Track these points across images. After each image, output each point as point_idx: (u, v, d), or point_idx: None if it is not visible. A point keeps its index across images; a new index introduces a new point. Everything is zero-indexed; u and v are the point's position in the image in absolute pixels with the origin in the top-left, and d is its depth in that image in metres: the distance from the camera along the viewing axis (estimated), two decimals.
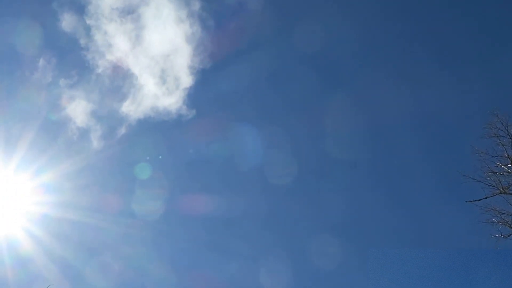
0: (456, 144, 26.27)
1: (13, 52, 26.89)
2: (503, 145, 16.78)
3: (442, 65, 27.40)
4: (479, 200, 16.70)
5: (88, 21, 26.15)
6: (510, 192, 16.27)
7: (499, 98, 24.64)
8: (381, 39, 28.85)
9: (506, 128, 16.81)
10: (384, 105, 26.93)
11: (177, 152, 29.37)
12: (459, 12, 27.28)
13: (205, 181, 29.67)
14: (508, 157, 16.45)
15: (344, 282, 25.07)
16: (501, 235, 16.08)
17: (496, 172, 16.63)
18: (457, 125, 26.44)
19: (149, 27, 27.15)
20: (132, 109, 27.44)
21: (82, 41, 26.84)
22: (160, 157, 28.35)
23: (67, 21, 26.08)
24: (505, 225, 16.18)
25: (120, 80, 27.74)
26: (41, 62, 26.57)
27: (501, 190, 16.34)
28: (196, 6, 26.80)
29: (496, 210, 16.39)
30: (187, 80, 27.31)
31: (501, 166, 16.60)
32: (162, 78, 27.50)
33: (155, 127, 28.68)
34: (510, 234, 15.97)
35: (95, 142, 27.40)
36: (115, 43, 26.91)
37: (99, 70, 27.31)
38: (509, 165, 16.36)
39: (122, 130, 27.83)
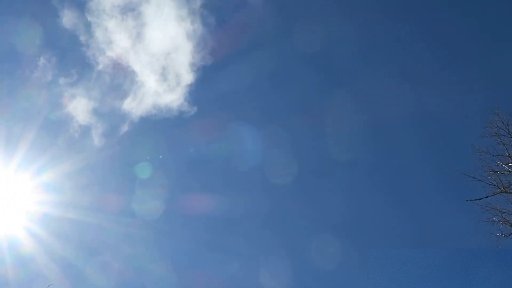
0: (456, 143, 26.32)
1: (13, 51, 26.94)
2: (503, 144, 16.80)
3: (443, 64, 27.45)
4: (480, 199, 16.73)
5: (89, 18, 26.20)
6: (510, 191, 16.28)
7: (500, 97, 24.70)
8: (381, 39, 28.91)
9: (507, 127, 16.84)
10: (384, 105, 26.97)
11: (177, 152, 29.41)
12: (460, 11, 27.33)
13: (206, 181, 29.70)
14: (509, 156, 16.47)
15: (344, 282, 25.08)
16: (502, 234, 16.10)
17: (496, 171, 16.64)
18: (458, 124, 26.48)
19: (150, 25, 27.19)
20: (132, 108, 27.48)
21: (83, 39, 26.90)
22: (161, 156, 28.39)
23: (67, 18, 26.11)
24: (505, 224, 16.20)
25: (121, 79, 27.79)
26: (42, 60, 26.61)
27: (502, 189, 16.35)
28: (197, 4, 26.87)
29: (497, 209, 16.43)
30: (187, 79, 27.36)
31: (501, 165, 16.62)
32: (163, 76, 27.55)
33: (156, 126, 28.73)
34: (511, 233, 15.99)
35: (96, 141, 27.44)
36: (116, 41, 26.96)
37: (100, 69, 27.36)
38: (510, 164, 16.38)
39: (123, 129, 27.86)
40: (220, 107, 29.38)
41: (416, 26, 28.12)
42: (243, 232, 28.20)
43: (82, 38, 26.77)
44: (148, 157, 27.71)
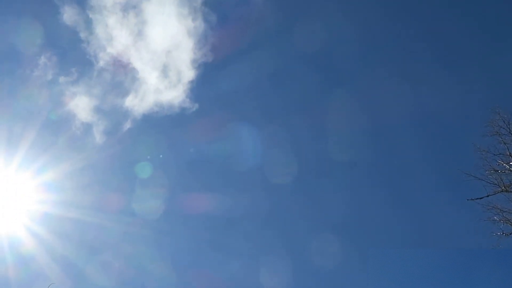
0: (457, 142, 26.29)
1: (13, 49, 26.94)
2: (505, 143, 16.79)
3: (443, 63, 27.42)
4: (480, 198, 16.71)
5: (90, 16, 26.19)
6: (511, 190, 16.27)
7: (501, 96, 24.68)
8: (382, 38, 28.88)
9: (508, 126, 16.82)
10: (385, 104, 26.95)
11: (178, 151, 29.41)
12: (461, 10, 27.31)
13: (206, 180, 29.70)
14: (510, 155, 16.45)
15: (344, 282, 25.07)
16: (503, 233, 16.09)
17: (497, 170, 16.63)
18: (459, 123, 26.46)
19: (151, 23, 27.19)
20: (133, 106, 27.49)
21: (84, 37, 26.90)
22: (161, 156, 28.40)
23: (68, 15, 26.09)
24: (506, 223, 16.19)
25: (122, 78, 27.79)
26: (43, 59, 26.60)
27: (503, 188, 16.34)
28: (198, 2, 26.87)
29: (498, 208, 16.42)
30: (188, 77, 27.35)
31: (502, 164, 16.60)
32: (164, 74, 27.55)
33: (156, 125, 28.75)
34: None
35: (96, 141, 27.44)
36: (117, 39, 26.96)
37: (101, 68, 27.37)
38: (511, 163, 16.36)
39: (123, 129, 27.87)
40: (221, 106, 29.41)
41: (417, 25, 28.14)
42: (244, 232, 28.22)
43: (83, 35, 26.79)
44: (149, 157, 27.74)
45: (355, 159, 27.62)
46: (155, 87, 27.33)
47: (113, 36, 26.80)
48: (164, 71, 27.39)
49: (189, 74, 27.29)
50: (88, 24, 26.45)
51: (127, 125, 27.75)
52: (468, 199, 17.08)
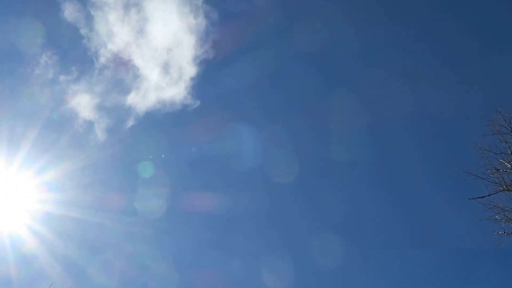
0: (459, 141, 26.25)
1: (14, 48, 26.96)
2: (506, 142, 16.74)
3: (445, 62, 27.39)
4: (482, 197, 16.68)
5: (92, 13, 26.19)
6: None
7: (503, 95, 24.63)
8: (383, 38, 28.86)
9: (510, 125, 16.77)
10: (386, 103, 26.92)
11: (179, 150, 29.43)
12: (462, 8, 27.27)
13: (207, 179, 29.69)
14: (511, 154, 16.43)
15: (344, 281, 25.07)
16: (504, 232, 16.07)
17: (499, 169, 16.59)
18: (460, 122, 26.42)
19: (152, 21, 27.18)
20: (134, 106, 27.51)
21: (85, 36, 26.91)
22: (163, 155, 28.41)
23: (69, 11, 26.10)
24: (508, 222, 16.16)
25: (123, 77, 27.81)
26: (44, 57, 26.62)
27: (504, 187, 16.30)
28: (200, 1, 26.87)
29: (499, 207, 16.38)
30: (189, 75, 27.35)
31: (504, 163, 16.57)
32: (165, 72, 27.55)
33: (158, 124, 28.77)
34: None
35: (98, 140, 27.46)
36: (118, 37, 26.96)
37: (102, 66, 27.38)
38: None
39: (125, 128, 27.89)
40: (223, 104, 29.43)
41: (418, 24, 28.10)
42: (245, 231, 28.22)
43: (84, 33, 26.79)
44: (150, 156, 27.75)
45: (356, 159, 27.61)
46: (156, 85, 27.37)
47: (115, 33, 26.82)
48: (165, 68, 27.42)
49: (190, 71, 27.31)
50: (90, 21, 26.48)
51: (128, 124, 27.79)
52: (469, 198, 17.06)
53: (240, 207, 27.58)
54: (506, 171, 16.47)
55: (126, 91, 27.68)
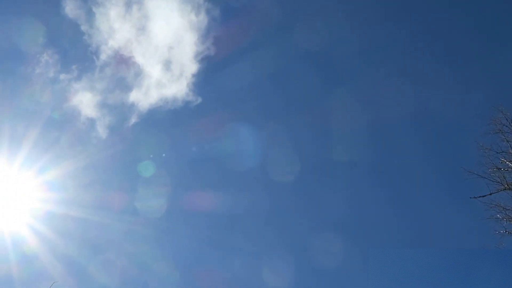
0: (460, 140, 26.16)
1: (15, 46, 26.96)
2: (507, 141, 16.66)
3: (446, 61, 27.28)
4: (483, 196, 16.62)
5: (94, 10, 26.16)
6: None
7: (504, 93, 24.52)
8: (384, 38, 28.77)
9: (511, 124, 16.72)
10: (387, 102, 26.85)
11: (180, 149, 29.43)
12: (462, 7, 27.16)
13: (208, 179, 29.70)
14: None
15: (344, 281, 25.06)
16: (506, 231, 16.02)
17: (500, 168, 16.52)
18: (461, 121, 26.33)
19: (153, 19, 27.15)
20: (135, 104, 27.51)
21: (86, 34, 26.89)
22: (164, 154, 28.41)
23: (70, 8, 26.07)
24: (509, 221, 16.10)
25: (124, 76, 27.81)
26: (45, 56, 26.62)
27: (506, 186, 16.23)
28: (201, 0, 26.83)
29: (501, 206, 16.32)
30: (191, 73, 27.33)
31: (505, 162, 16.49)
32: (165, 71, 27.53)
33: (159, 123, 28.79)
34: None
35: (99, 139, 27.48)
36: (119, 35, 26.95)
37: (103, 66, 27.38)
38: None
39: (125, 127, 27.91)
40: (224, 102, 29.42)
41: (419, 23, 28.00)
42: (245, 231, 28.24)
43: (85, 30, 26.77)
44: (151, 155, 27.76)
45: (357, 158, 27.55)
46: (157, 82, 27.35)
47: (116, 31, 26.80)
48: (167, 66, 27.40)
49: (191, 69, 27.28)
50: (91, 19, 26.45)
51: (129, 122, 27.81)
52: (471, 197, 17.00)
53: (241, 206, 27.61)
54: (507, 170, 16.40)
55: (127, 89, 27.72)
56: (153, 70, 27.64)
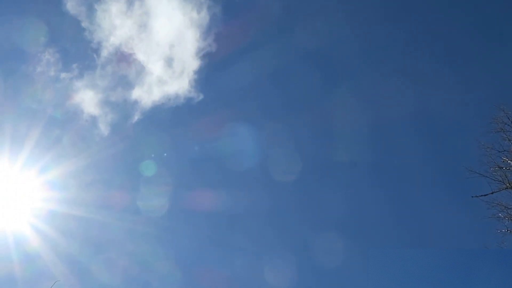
0: (461, 139, 26.08)
1: (16, 46, 26.99)
2: (509, 140, 16.60)
3: (447, 60, 27.20)
4: (485, 195, 16.57)
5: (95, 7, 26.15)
6: None
7: (505, 92, 24.43)
8: (384, 37, 28.70)
9: None
10: (388, 101, 26.79)
11: (182, 148, 29.45)
12: (463, 7, 27.06)
13: (210, 178, 29.73)
14: None
15: (344, 281, 25.06)
16: (507, 230, 15.98)
17: (502, 167, 16.48)
18: (463, 120, 26.25)
19: (155, 16, 27.13)
20: (136, 102, 27.53)
21: (87, 32, 26.89)
22: (165, 153, 28.43)
23: (71, 4, 26.06)
24: (511, 220, 16.07)
25: (126, 74, 27.82)
26: (46, 55, 26.63)
27: (508, 185, 16.18)
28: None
29: (503, 205, 16.28)
30: (192, 72, 27.31)
31: (507, 161, 16.44)
32: (167, 68, 27.53)
33: (160, 121, 28.80)
34: None
35: (101, 138, 27.51)
36: (121, 33, 26.94)
37: (104, 64, 27.39)
38: None
39: (127, 125, 27.94)
40: (225, 101, 29.42)
41: (419, 23, 27.92)
42: (247, 230, 28.27)
43: (86, 28, 26.75)
44: (153, 154, 27.78)
45: (357, 158, 27.50)
46: (159, 80, 27.35)
47: (117, 29, 26.79)
48: (168, 63, 27.38)
49: (193, 67, 27.26)
50: (92, 17, 26.44)
51: (130, 120, 27.86)
52: (472, 196, 16.95)
53: (242, 205, 27.63)
54: (509, 169, 16.35)
55: (129, 87, 27.73)
56: (155, 68, 27.67)
